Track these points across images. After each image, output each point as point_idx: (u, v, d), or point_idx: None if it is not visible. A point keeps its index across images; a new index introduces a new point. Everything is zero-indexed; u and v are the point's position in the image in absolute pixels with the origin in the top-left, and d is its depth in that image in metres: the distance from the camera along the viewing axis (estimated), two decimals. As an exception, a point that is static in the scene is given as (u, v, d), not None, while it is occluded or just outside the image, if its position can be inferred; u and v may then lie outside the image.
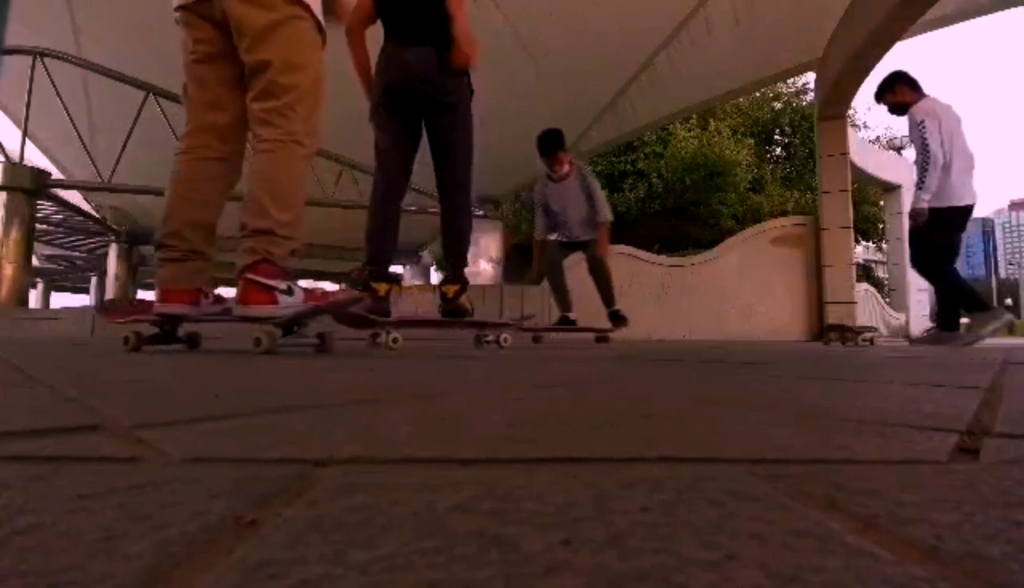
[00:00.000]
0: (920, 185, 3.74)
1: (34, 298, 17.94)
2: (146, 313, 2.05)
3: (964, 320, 4.00)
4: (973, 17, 6.78)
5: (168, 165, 2.02)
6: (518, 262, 13.08)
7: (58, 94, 8.15)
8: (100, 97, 8.74)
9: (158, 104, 8.16)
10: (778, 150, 15.02)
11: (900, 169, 9.95)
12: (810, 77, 10.66)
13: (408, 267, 16.29)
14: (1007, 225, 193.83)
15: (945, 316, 3.85)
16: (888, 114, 4.12)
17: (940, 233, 3.79)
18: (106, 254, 14.39)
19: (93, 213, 12.59)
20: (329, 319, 2.37)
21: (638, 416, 0.61)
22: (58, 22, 7.52)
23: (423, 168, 2.75)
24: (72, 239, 15.08)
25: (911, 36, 6.12)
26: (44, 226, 12.78)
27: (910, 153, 3.93)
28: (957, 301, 3.85)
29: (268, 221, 1.83)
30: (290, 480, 0.35)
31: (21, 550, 0.23)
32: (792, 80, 13.62)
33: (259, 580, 0.21)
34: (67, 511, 0.28)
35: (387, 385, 0.95)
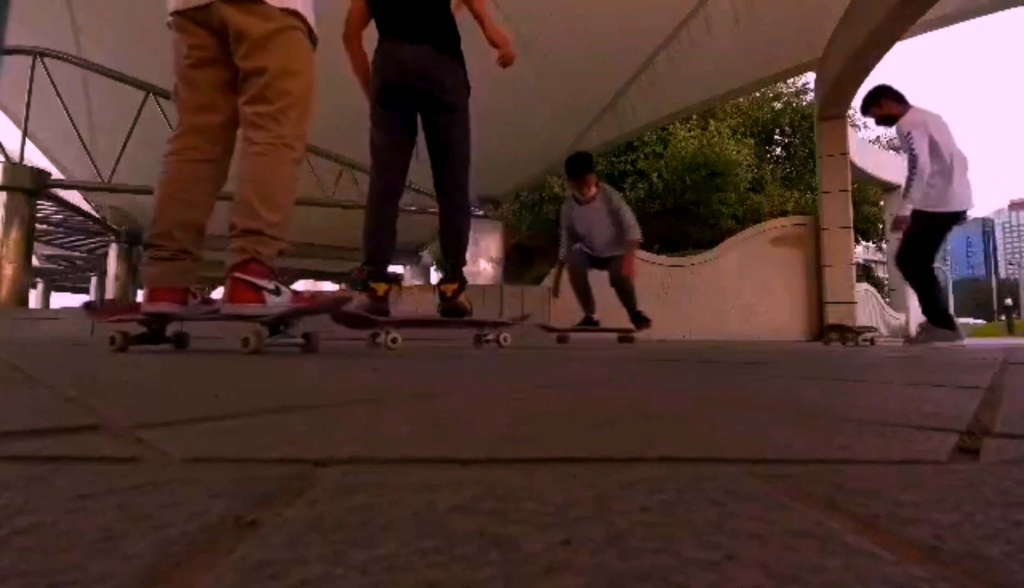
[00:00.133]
0: (905, 194, 3.83)
1: (34, 298, 17.93)
2: (133, 313, 2.07)
3: (967, 320, 4.02)
4: (973, 17, 6.78)
5: None
6: (518, 262, 13.09)
7: (58, 94, 8.14)
8: (100, 97, 8.73)
9: (158, 104, 8.16)
10: (778, 150, 15.01)
11: (900, 169, 9.95)
12: (810, 77, 10.66)
13: (408, 267, 16.28)
14: (1007, 225, 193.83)
15: (933, 312, 3.88)
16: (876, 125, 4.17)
17: (936, 235, 3.87)
18: (106, 254, 14.37)
19: (93, 213, 12.58)
20: (324, 319, 2.37)
21: (638, 416, 0.61)
22: (58, 22, 7.52)
23: (422, 167, 2.74)
24: (72, 239, 15.07)
25: (911, 36, 6.12)
26: (44, 226, 12.77)
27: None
28: (932, 298, 3.92)
29: (257, 221, 1.86)
30: (290, 480, 0.35)
31: (21, 550, 0.23)
32: (792, 80, 13.62)
33: (259, 580, 0.21)
34: (67, 511, 0.28)
35: (387, 385, 0.95)
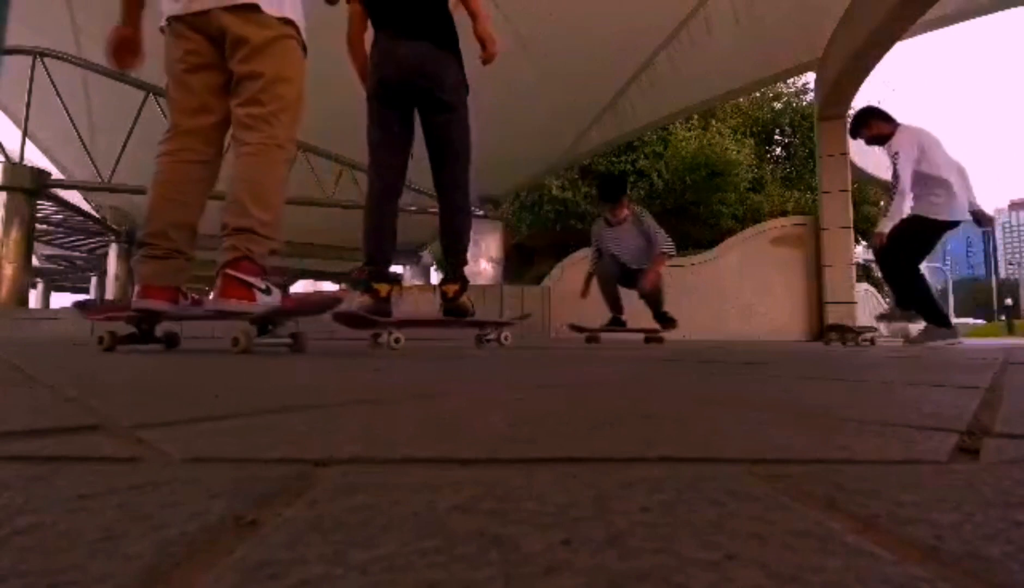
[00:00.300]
0: (886, 212, 3.96)
1: (34, 298, 17.92)
2: (124, 311, 2.09)
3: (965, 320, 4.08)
4: (973, 17, 6.78)
5: None
6: (518, 262, 13.08)
7: (58, 94, 8.14)
8: (100, 97, 8.73)
9: (158, 104, 8.14)
10: (778, 150, 15.00)
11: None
12: (810, 77, 10.64)
13: (408, 267, 16.27)
14: (1007, 225, 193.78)
15: (929, 312, 3.91)
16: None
17: (932, 240, 3.96)
18: (106, 254, 14.37)
19: (93, 213, 12.58)
20: (326, 319, 2.37)
21: (638, 416, 0.61)
22: (58, 22, 7.52)
23: (422, 167, 2.73)
24: (72, 239, 15.06)
25: (911, 36, 6.12)
26: (44, 226, 12.76)
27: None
28: (919, 298, 3.99)
29: (249, 220, 1.89)
30: (290, 480, 0.35)
31: (21, 550, 0.23)
32: (792, 80, 13.59)
33: (259, 580, 0.21)
34: (67, 511, 0.28)
35: (388, 385, 0.95)
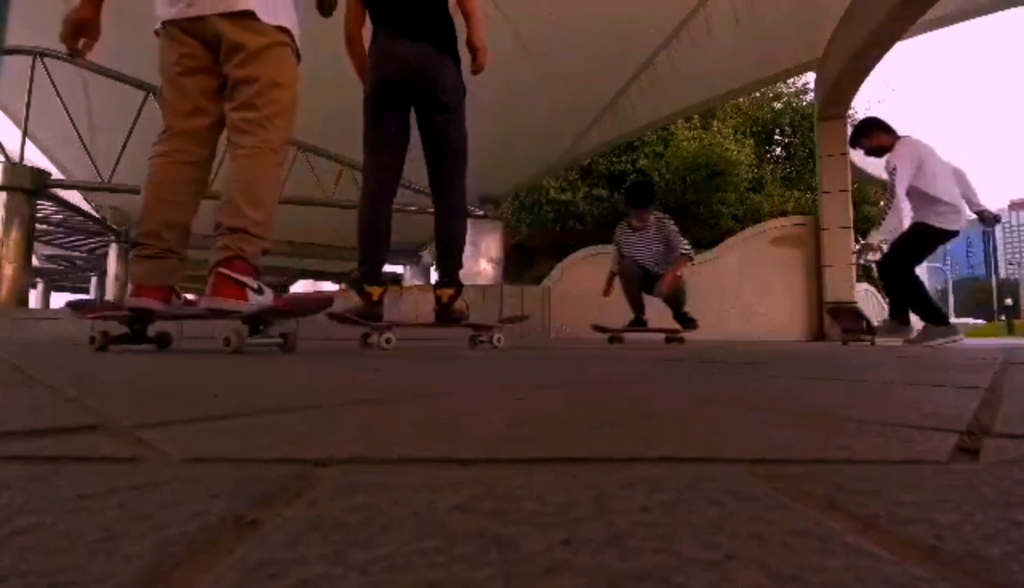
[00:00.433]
0: (880, 227, 3.98)
1: (34, 298, 17.92)
2: (116, 311, 2.10)
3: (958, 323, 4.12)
4: (973, 17, 6.78)
5: None
6: (518, 262, 13.08)
7: (58, 94, 8.14)
8: (100, 97, 8.73)
9: (158, 104, 8.15)
10: (778, 150, 15.00)
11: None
12: (810, 77, 10.64)
13: (408, 267, 16.28)
14: (1007, 225, 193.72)
15: (927, 312, 3.94)
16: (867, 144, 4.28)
17: (932, 247, 4.00)
18: (106, 254, 14.38)
19: (93, 213, 12.58)
20: (322, 320, 2.38)
21: (638, 416, 0.61)
22: (58, 22, 7.51)
23: (420, 166, 2.72)
24: (72, 239, 15.06)
25: (911, 36, 6.12)
26: (44, 226, 12.76)
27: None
28: (915, 299, 4.03)
29: (242, 220, 1.92)
30: (290, 480, 0.35)
31: (21, 550, 0.23)
32: (792, 80, 13.60)
33: (259, 580, 0.21)
34: (67, 511, 0.28)
35: (387, 385, 0.95)
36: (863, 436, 0.51)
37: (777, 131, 14.72)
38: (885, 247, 3.95)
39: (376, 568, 0.22)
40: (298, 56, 2.15)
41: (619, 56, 7.69)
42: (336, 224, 10.92)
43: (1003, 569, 0.23)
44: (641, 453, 0.43)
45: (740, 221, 11.48)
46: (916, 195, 3.83)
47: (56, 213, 12.21)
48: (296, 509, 0.29)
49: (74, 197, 11.47)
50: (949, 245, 4.39)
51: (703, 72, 7.87)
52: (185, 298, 2.12)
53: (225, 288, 1.88)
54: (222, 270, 1.89)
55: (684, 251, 4.57)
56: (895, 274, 3.98)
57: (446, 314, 2.68)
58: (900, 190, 3.78)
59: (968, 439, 0.49)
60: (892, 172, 3.83)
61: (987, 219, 4.09)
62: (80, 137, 8.48)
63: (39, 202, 9.60)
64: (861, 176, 8.92)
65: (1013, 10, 6.70)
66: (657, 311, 4.71)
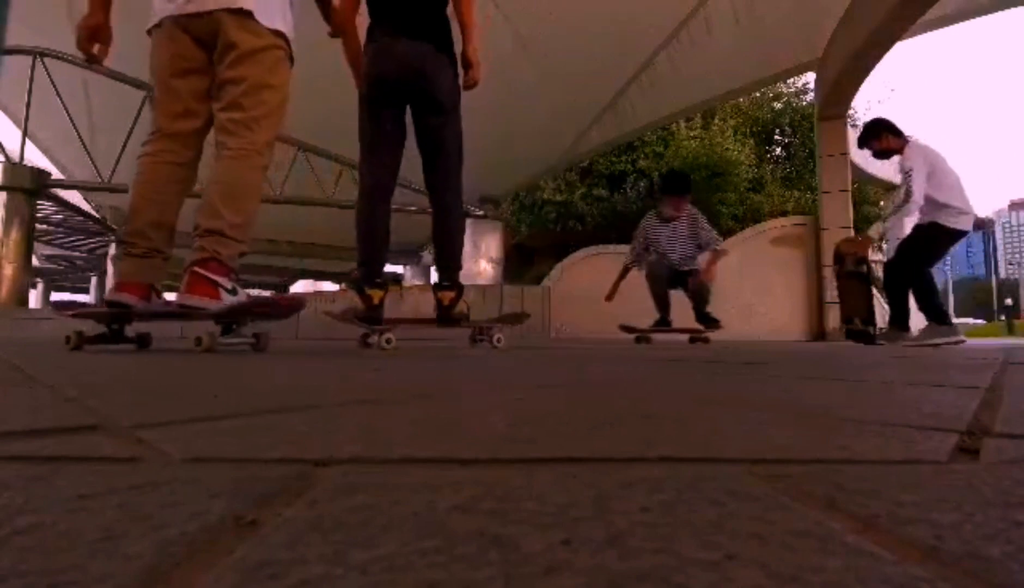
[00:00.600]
0: (886, 218, 3.99)
1: (34, 298, 17.91)
2: (96, 309, 2.11)
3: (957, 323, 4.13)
4: (973, 17, 6.78)
5: None
6: (518, 262, 13.09)
7: (58, 94, 8.14)
8: (100, 97, 8.73)
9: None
10: (778, 150, 15.00)
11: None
12: (810, 77, 10.65)
13: (408, 267, 16.28)
14: (1007, 225, 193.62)
15: (931, 311, 3.95)
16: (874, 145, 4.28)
17: (944, 248, 4.03)
18: (106, 254, 14.37)
19: (93, 213, 12.58)
20: (316, 320, 2.39)
21: (638, 416, 0.61)
22: (58, 22, 7.51)
23: (420, 166, 2.71)
24: (72, 239, 15.06)
25: (911, 36, 6.12)
26: (44, 226, 12.75)
27: (896, 158, 4.08)
28: (923, 295, 4.06)
29: (220, 222, 1.94)
30: (290, 480, 0.35)
31: (21, 550, 0.23)
32: (792, 80, 13.60)
33: (259, 580, 0.21)
34: (67, 511, 0.28)
35: (387, 385, 0.95)
36: (863, 436, 0.51)
37: (777, 131, 14.71)
38: (884, 244, 3.97)
39: (376, 568, 0.22)
40: (292, 61, 2.16)
41: (619, 56, 7.69)
42: (336, 224, 10.92)
43: (1003, 569, 0.22)
44: (641, 453, 0.43)
45: (740, 221, 11.49)
46: (928, 199, 3.86)
47: (56, 213, 12.20)
48: (296, 509, 0.29)
49: (74, 197, 11.47)
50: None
51: (703, 72, 7.87)
52: (164, 298, 2.14)
53: (198, 286, 1.91)
54: (197, 269, 1.91)
55: (719, 246, 4.55)
56: (902, 277, 3.99)
57: (448, 317, 2.68)
58: (918, 190, 3.79)
59: (968, 439, 0.49)
60: (908, 173, 3.84)
61: (983, 224, 4.13)
62: (80, 137, 8.48)
63: (39, 202, 9.59)
64: (861, 176, 8.92)
65: (1013, 10, 6.70)
66: (678, 312, 4.70)
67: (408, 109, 2.59)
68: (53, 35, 7.75)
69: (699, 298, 4.53)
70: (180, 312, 1.95)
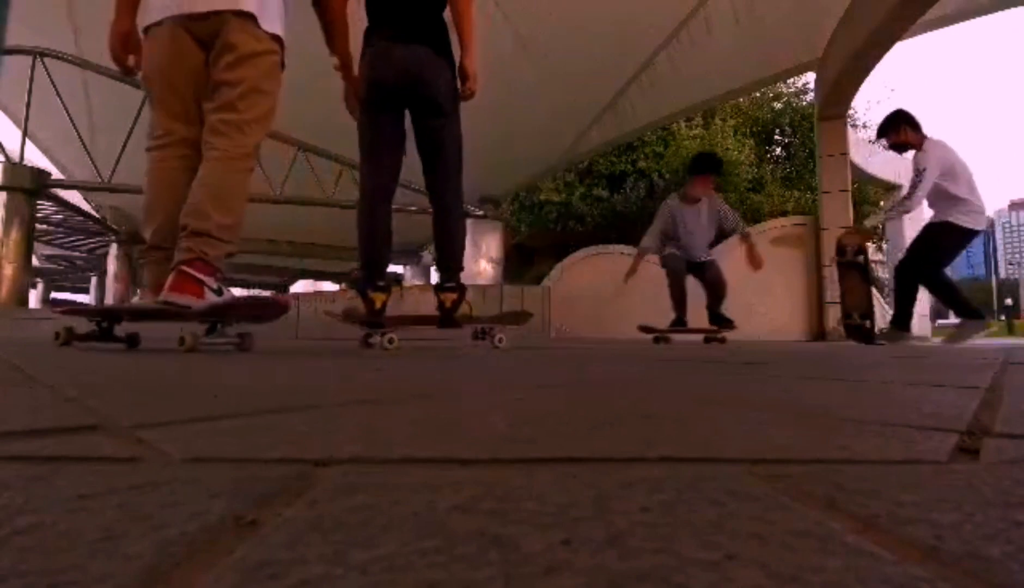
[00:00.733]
0: (888, 209, 4.01)
1: (34, 298, 17.92)
2: (85, 308, 2.14)
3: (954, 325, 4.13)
4: (973, 17, 6.78)
5: None
6: (518, 262, 13.09)
7: (58, 94, 8.14)
8: (100, 97, 8.73)
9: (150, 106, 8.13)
10: (778, 150, 15.00)
11: (899, 168, 9.94)
12: (810, 77, 10.64)
13: (408, 267, 16.28)
14: (1007, 225, 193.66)
15: (960, 308, 3.96)
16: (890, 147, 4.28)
17: (958, 248, 4.02)
18: (106, 254, 14.38)
19: (93, 213, 12.58)
20: (317, 320, 2.39)
21: (638, 416, 0.61)
22: (58, 22, 7.52)
23: (419, 166, 2.70)
24: (72, 239, 15.07)
25: (911, 36, 6.13)
26: (44, 226, 12.77)
27: (910, 152, 4.06)
28: (946, 298, 4.08)
29: (207, 224, 1.95)
30: (290, 480, 0.35)
31: (21, 550, 0.23)
32: (792, 80, 13.60)
33: (259, 580, 0.21)
34: (67, 511, 0.28)
35: (388, 385, 0.95)
36: (863, 436, 0.51)
37: (777, 131, 14.71)
38: (884, 244, 3.98)
39: (376, 568, 0.22)
40: (283, 66, 2.17)
41: (619, 56, 7.69)
42: (336, 224, 10.92)
43: (1003, 569, 0.22)
44: (641, 453, 0.43)
45: (740, 221, 11.48)
46: (943, 196, 3.86)
47: (56, 213, 12.21)
48: (296, 509, 0.29)
49: (74, 197, 11.47)
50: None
51: (703, 72, 7.87)
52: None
53: (183, 285, 1.92)
54: (183, 268, 1.92)
55: (744, 230, 4.57)
56: (914, 276, 3.99)
57: (450, 319, 2.67)
58: (922, 193, 3.82)
59: (968, 439, 0.49)
60: (920, 172, 3.84)
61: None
62: (80, 137, 8.49)
63: (39, 202, 9.60)
64: (861, 176, 8.93)
65: (1013, 10, 6.70)
66: (691, 312, 4.72)
67: (407, 112, 2.59)
68: (53, 35, 7.75)
69: (716, 291, 4.55)
70: (165, 310, 1.96)
